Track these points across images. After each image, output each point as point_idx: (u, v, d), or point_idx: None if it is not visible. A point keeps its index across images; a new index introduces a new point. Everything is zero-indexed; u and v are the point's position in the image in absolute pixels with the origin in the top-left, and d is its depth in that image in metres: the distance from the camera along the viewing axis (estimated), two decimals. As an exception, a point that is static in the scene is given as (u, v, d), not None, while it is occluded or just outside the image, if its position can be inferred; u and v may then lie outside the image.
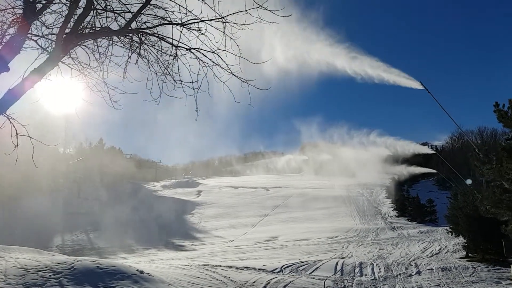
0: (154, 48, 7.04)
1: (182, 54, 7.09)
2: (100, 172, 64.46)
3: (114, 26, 6.73)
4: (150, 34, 6.89)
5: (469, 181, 17.08)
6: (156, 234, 46.19)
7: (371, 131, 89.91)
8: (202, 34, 6.97)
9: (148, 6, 6.65)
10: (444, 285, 19.47)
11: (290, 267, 22.20)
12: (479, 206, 19.29)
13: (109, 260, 18.01)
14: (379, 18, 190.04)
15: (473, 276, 21.49)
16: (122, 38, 6.93)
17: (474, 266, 23.95)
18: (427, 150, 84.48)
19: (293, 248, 34.92)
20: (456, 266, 24.15)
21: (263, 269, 21.21)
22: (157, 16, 6.78)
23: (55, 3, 6.48)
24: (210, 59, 7.10)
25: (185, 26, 6.87)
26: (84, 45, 6.87)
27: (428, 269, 23.08)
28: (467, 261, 26.34)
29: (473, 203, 24.87)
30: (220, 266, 21.64)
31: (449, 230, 31.46)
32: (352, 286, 18.99)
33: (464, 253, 28.54)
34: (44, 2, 6.32)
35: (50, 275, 12.82)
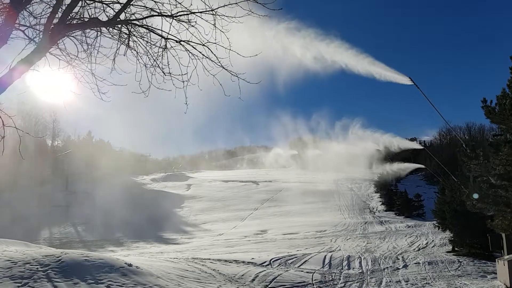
0: (143, 39, 6.96)
1: (171, 46, 7.01)
2: (89, 165, 63.98)
3: (103, 17, 6.63)
4: (139, 26, 6.81)
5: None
6: (145, 227, 46.11)
7: (361, 127, 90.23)
8: (192, 26, 6.90)
9: (138, -4, 6.58)
10: (431, 278, 19.72)
11: (279, 260, 22.32)
12: (466, 201, 19.53)
13: (97, 253, 17.96)
14: (365, 12, 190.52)
15: (459, 270, 21.80)
16: (110, 29, 6.83)
17: (460, 260, 24.29)
18: (415, 145, 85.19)
19: (282, 241, 35.10)
20: (442, 260, 24.48)
21: (252, 262, 21.29)
22: (147, 7, 6.70)
23: (43, -8, 6.40)
24: (200, 52, 7.05)
25: (174, 18, 6.80)
26: (72, 36, 6.77)
27: (414, 263, 23.36)
28: (453, 255, 26.70)
29: (460, 198, 25.16)
30: (209, 259, 21.67)
31: (436, 224, 31.85)
32: (339, 279, 19.16)
33: (451, 247, 28.91)
34: (31, -9, 6.23)
35: (37, 268, 12.75)
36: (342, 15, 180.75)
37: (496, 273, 19.67)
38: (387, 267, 22.24)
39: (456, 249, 28.23)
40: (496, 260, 19.63)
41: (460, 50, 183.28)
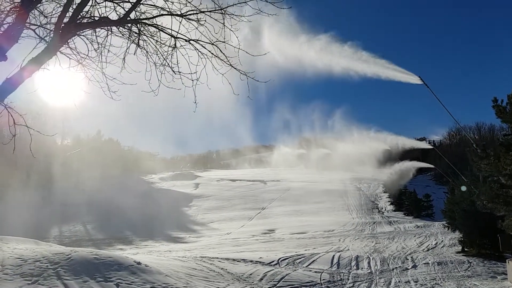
0: (153, 38, 6.99)
1: (181, 45, 7.03)
2: (98, 164, 64.36)
3: (113, 16, 6.67)
4: (149, 25, 6.83)
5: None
6: (153, 226, 46.23)
7: (370, 127, 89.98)
8: (202, 25, 6.92)
9: (148, -4, 6.60)
10: (440, 279, 19.57)
11: (287, 260, 22.27)
12: (476, 201, 19.36)
13: (106, 251, 18.05)
14: (375, 15, 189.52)
15: (468, 271, 21.61)
16: (121, 28, 6.87)
17: (470, 261, 24.07)
18: (425, 145, 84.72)
19: (289, 241, 35.03)
20: (452, 260, 24.27)
21: (260, 262, 21.27)
22: (156, 6, 6.72)
23: (53, -9, 6.43)
24: (209, 51, 7.06)
25: (184, 17, 6.82)
26: (83, 35, 6.80)
27: (424, 263, 23.19)
28: (463, 255, 26.46)
29: (470, 198, 24.95)
30: (217, 258, 21.69)
31: (446, 224, 31.59)
32: (348, 279, 19.08)
33: (460, 247, 28.67)
34: (42, -10, 6.26)
35: (47, 266, 12.85)
36: (349, 15, 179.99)
37: (506, 274, 19.48)
38: (396, 267, 22.10)
39: (465, 249, 28.00)
40: (507, 260, 19.44)
41: (470, 48, 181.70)
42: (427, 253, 27.55)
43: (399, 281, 18.95)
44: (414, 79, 25.76)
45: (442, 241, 32.64)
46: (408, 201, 57.49)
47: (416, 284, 18.48)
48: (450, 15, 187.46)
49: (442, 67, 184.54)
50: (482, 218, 24.36)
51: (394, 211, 57.42)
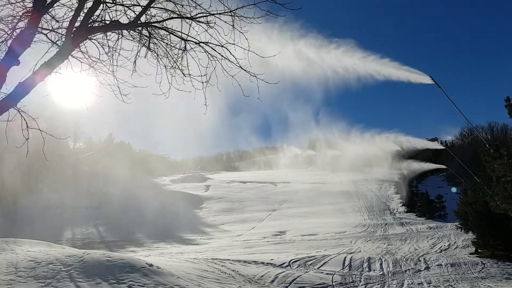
0: (163, 41, 7.02)
1: (191, 48, 7.05)
2: (110, 167, 64.78)
3: (124, 20, 6.71)
4: (159, 28, 6.87)
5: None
6: (165, 228, 46.40)
7: (380, 128, 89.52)
8: (211, 27, 6.94)
9: (158, -1, 6.64)
10: (453, 280, 19.38)
11: (298, 262, 22.21)
12: (490, 201, 19.13)
13: (119, 254, 18.17)
14: (384, 15, 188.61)
15: (482, 272, 21.36)
16: (131, 31, 6.92)
17: (484, 262, 23.79)
18: (436, 145, 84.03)
19: (301, 243, 34.93)
20: (465, 261, 24.01)
21: (271, 263, 21.24)
22: (167, 9, 6.76)
23: (65, -4, 6.49)
24: (219, 53, 7.08)
25: (194, 20, 6.84)
26: (94, 39, 6.86)
27: (437, 265, 22.97)
28: (476, 257, 26.17)
29: (483, 198, 24.67)
30: (228, 260, 21.70)
31: (459, 226, 31.27)
32: (360, 281, 18.97)
33: (474, 249, 28.36)
34: (53, -5, 6.32)
35: (60, 268, 12.97)
36: (354, 16, 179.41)
37: (521, 276, 19.24)
38: (408, 269, 21.92)
39: (479, 250, 27.69)
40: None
41: (481, 47, 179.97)
42: (440, 254, 27.29)
43: (411, 283, 18.80)
44: (425, 79, 25.61)
45: (455, 242, 32.31)
46: (420, 202, 57.05)
47: (429, 286, 18.32)
48: (461, 14, 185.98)
49: (453, 66, 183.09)
50: (496, 219, 24.07)
51: (406, 212, 56.98)
